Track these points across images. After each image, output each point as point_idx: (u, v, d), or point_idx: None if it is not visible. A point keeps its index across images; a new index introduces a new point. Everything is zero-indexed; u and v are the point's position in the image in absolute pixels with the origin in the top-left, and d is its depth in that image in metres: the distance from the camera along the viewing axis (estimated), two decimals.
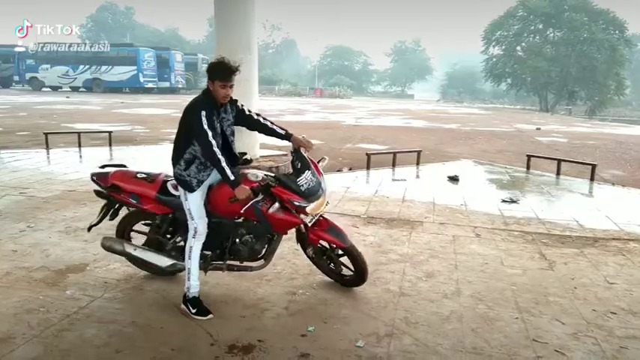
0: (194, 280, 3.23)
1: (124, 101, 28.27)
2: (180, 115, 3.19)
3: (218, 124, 3.14)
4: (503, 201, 6.75)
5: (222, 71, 3.05)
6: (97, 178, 3.64)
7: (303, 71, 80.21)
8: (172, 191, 3.40)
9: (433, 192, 7.14)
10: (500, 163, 10.31)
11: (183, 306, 3.24)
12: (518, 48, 50.95)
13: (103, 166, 3.73)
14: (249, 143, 7.11)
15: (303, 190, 3.18)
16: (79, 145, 10.24)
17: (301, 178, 3.20)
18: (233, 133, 3.32)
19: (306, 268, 4.01)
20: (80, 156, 9.68)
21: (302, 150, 3.31)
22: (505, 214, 6.07)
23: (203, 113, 3.03)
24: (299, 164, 3.28)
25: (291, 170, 3.47)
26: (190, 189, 3.17)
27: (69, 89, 39.28)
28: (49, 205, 5.83)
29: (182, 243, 3.49)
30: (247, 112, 3.37)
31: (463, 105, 54.67)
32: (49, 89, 39.25)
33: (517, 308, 3.46)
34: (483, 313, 3.37)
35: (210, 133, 3.02)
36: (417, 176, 8.71)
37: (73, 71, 38.81)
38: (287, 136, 3.39)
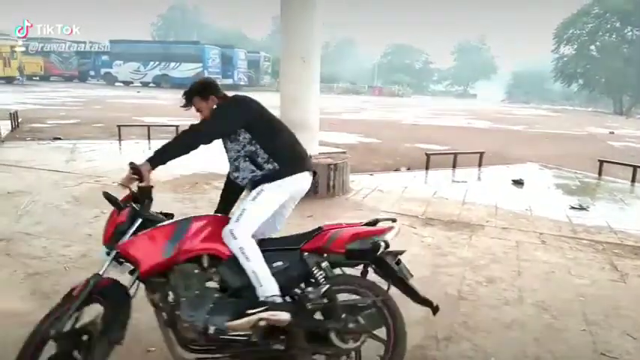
0: None
1: None
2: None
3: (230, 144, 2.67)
4: (572, 207, 6.43)
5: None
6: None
7: (362, 69, 79.89)
8: None
9: (496, 195, 6.92)
10: (569, 168, 9.81)
11: None
12: (592, 47, 48.16)
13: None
14: (307, 139, 7.15)
15: None
16: (149, 138, 10.76)
17: None
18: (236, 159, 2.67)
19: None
20: (149, 148, 10.16)
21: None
22: (573, 222, 5.78)
23: None
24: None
25: None
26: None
27: (139, 84, 41.27)
28: (121, 193, 6.15)
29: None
30: None
31: (530, 106, 52.49)
32: (121, 84, 41.39)
33: (585, 320, 3.30)
34: (548, 323, 3.24)
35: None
36: (479, 178, 8.47)
37: (143, 67, 40.67)
38: None
